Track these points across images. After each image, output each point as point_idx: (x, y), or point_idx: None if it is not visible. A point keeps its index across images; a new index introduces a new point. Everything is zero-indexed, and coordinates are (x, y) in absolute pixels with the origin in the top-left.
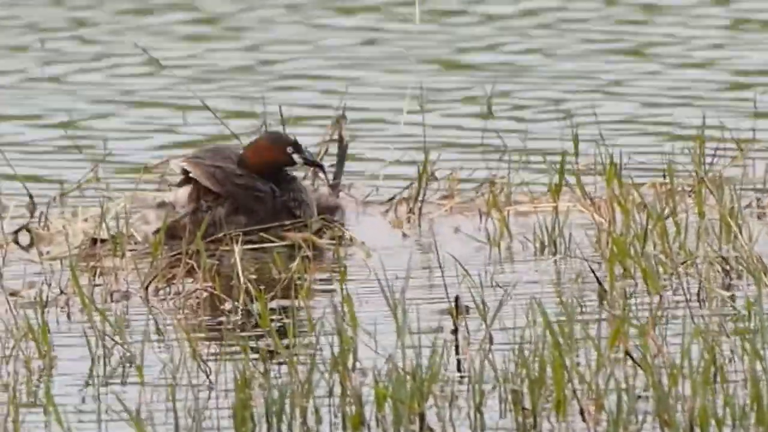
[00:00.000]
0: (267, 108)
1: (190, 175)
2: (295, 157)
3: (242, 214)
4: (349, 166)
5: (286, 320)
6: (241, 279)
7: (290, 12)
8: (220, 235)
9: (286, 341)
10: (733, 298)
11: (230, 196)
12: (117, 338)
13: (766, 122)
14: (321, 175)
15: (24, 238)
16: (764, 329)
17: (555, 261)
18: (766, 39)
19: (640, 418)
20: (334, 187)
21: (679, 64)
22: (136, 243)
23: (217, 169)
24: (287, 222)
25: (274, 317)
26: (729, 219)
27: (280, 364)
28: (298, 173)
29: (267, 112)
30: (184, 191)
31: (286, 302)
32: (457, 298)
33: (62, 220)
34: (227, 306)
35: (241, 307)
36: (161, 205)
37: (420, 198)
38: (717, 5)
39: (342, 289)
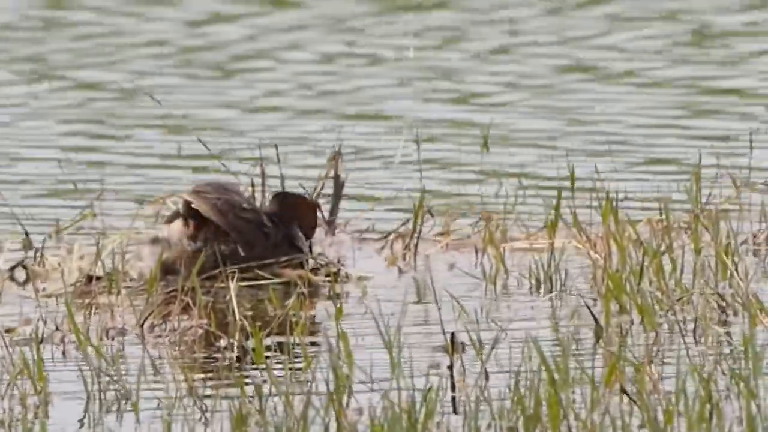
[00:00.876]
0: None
1: (192, 205)
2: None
3: (242, 248)
4: (344, 202)
5: (281, 357)
6: (237, 316)
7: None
8: (215, 271)
9: (281, 378)
10: (728, 335)
11: (234, 229)
12: (112, 375)
13: (763, 154)
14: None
15: (20, 275)
16: (758, 367)
17: (551, 298)
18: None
19: None
20: (330, 224)
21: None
22: (131, 280)
23: (221, 201)
24: (283, 258)
25: (269, 354)
26: (724, 256)
27: (276, 401)
28: None
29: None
30: (177, 226)
31: (281, 339)
32: (452, 335)
33: (58, 257)
34: (223, 343)
35: (236, 344)
36: (155, 241)
37: (416, 234)
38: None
39: (337, 326)
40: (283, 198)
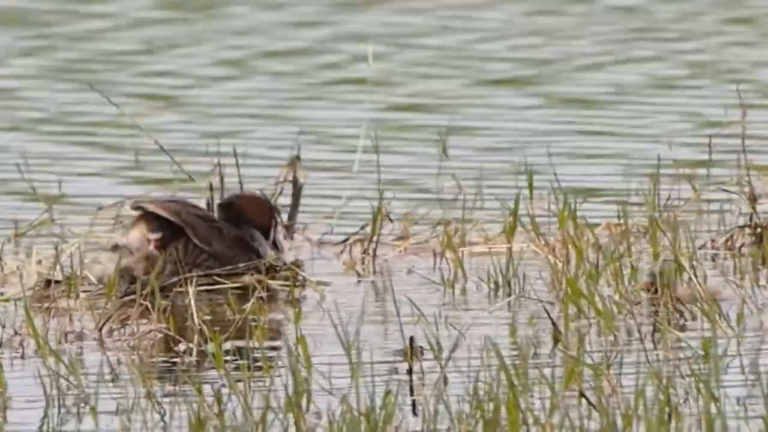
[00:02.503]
0: (220, 148)
1: (147, 208)
2: (271, 231)
3: (200, 243)
4: (302, 206)
5: (240, 361)
6: (195, 320)
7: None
8: (175, 279)
9: (240, 382)
10: (686, 339)
11: (188, 225)
12: (71, 379)
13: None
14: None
15: None
16: (718, 370)
17: (509, 302)
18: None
19: None
20: (289, 228)
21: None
22: (90, 284)
23: (173, 203)
24: (241, 264)
25: (228, 358)
26: (682, 260)
27: (235, 404)
28: None
29: (220, 153)
30: (136, 233)
31: (240, 343)
32: (411, 340)
33: (16, 260)
34: (182, 347)
35: (195, 348)
36: (114, 247)
37: (374, 239)
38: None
39: (296, 330)
40: (230, 201)
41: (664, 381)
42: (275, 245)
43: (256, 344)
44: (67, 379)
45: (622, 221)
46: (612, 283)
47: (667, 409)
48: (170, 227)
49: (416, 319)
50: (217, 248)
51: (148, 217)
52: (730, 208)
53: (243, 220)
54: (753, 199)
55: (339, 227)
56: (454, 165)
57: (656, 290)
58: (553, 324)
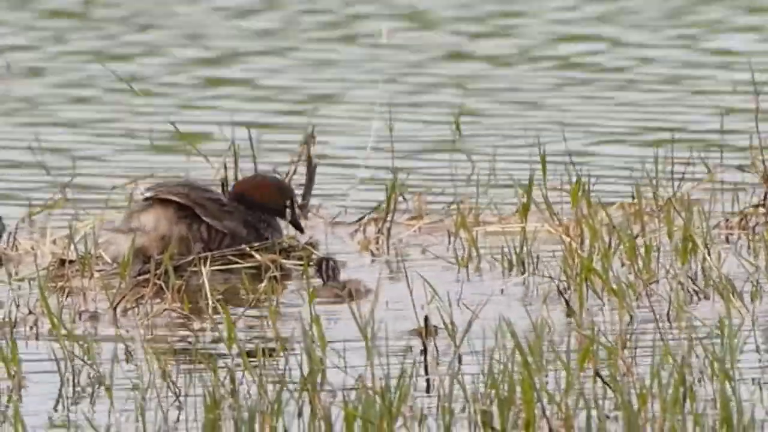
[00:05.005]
0: (235, 130)
1: (159, 196)
2: (287, 212)
3: (213, 221)
4: (317, 186)
5: (255, 341)
6: (210, 300)
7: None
8: (189, 258)
9: (255, 361)
10: (701, 318)
11: (198, 204)
12: (86, 358)
13: (734, 139)
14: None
15: None
16: (732, 349)
17: (524, 281)
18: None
19: None
20: (303, 208)
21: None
22: (104, 264)
23: (181, 187)
24: (255, 244)
25: (242, 338)
26: (696, 240)
27: (249, 384)
28: None
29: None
30: (150, 216)
31: (254, 322)
32: (426, 319)
33: (31, 241)
34: (196, 326)
35: (209, 327)
36: (130, 229)
37: (388, 218)
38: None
39: (311, 309)
40: (236, 193)
41: (679, 360)
42: (296, 224)
43: (271, 324)
44: (81, 359)
45: (635, 201)
46: (626, 263)
47: (681, 389)
48: (187, 211)
49: (430, 299)
50: (230, 225)
51: (162, 201)
52: (744, 188)
53: (256, 206)
54: (767, 179)
55: (353, 207)
56: (468, 144)
57: None
58: (567, 303)
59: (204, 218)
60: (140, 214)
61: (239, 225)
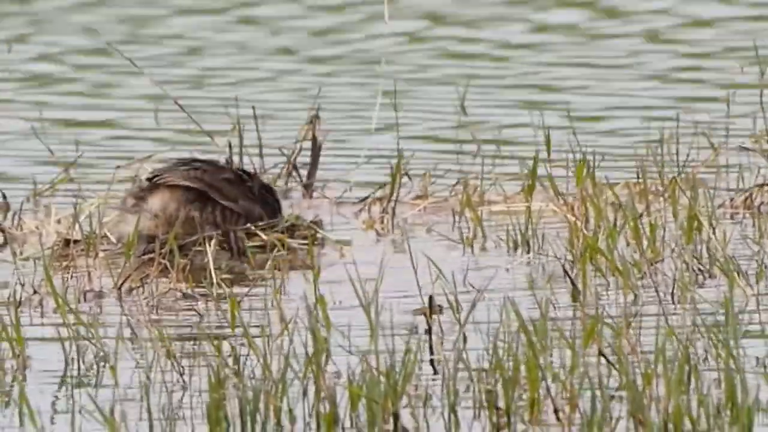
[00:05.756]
0: (240, 108)
1: (168, 183)
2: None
3: (229, 202)
4: (321, 166)
5: (259, 320)
6: (214, 279)
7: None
8: (194, 238)
9: (259, 341)
10: (705, 298)
11: (212, 187)
12: (91, 338)
13: (740, 121)
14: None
15: None
16: (737, 328)
17: (528, 260)
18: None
19: (615, 417)
20: (308, 187)
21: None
22: (109, 243)
23: (192, 170)
24: (261, 223)
25: (247, 317)
26: (701, 219)
27: (254, 363)
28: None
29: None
30: (157, 198)
31: (259, 302)
32: (430, 298)
33: (35, 220)
34: (201, 306)
35: (214, 307)
36: (136, 210)
37: (393, 198)
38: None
39: (315, 289)
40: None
41: (684, 340)
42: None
43: (275, 303)
44: (86, 338)
45: (641, 180)
46: (631, 242)
47: (686, 368)
48: (196, 192)
49: (435, 278)
50: (244, 204)
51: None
52: (749, 167)
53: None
54: None
55: (358, 187)
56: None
57: None
58: (572, 282)
59: (220, 201)
60: (150, 196)
61: (254, 202)
